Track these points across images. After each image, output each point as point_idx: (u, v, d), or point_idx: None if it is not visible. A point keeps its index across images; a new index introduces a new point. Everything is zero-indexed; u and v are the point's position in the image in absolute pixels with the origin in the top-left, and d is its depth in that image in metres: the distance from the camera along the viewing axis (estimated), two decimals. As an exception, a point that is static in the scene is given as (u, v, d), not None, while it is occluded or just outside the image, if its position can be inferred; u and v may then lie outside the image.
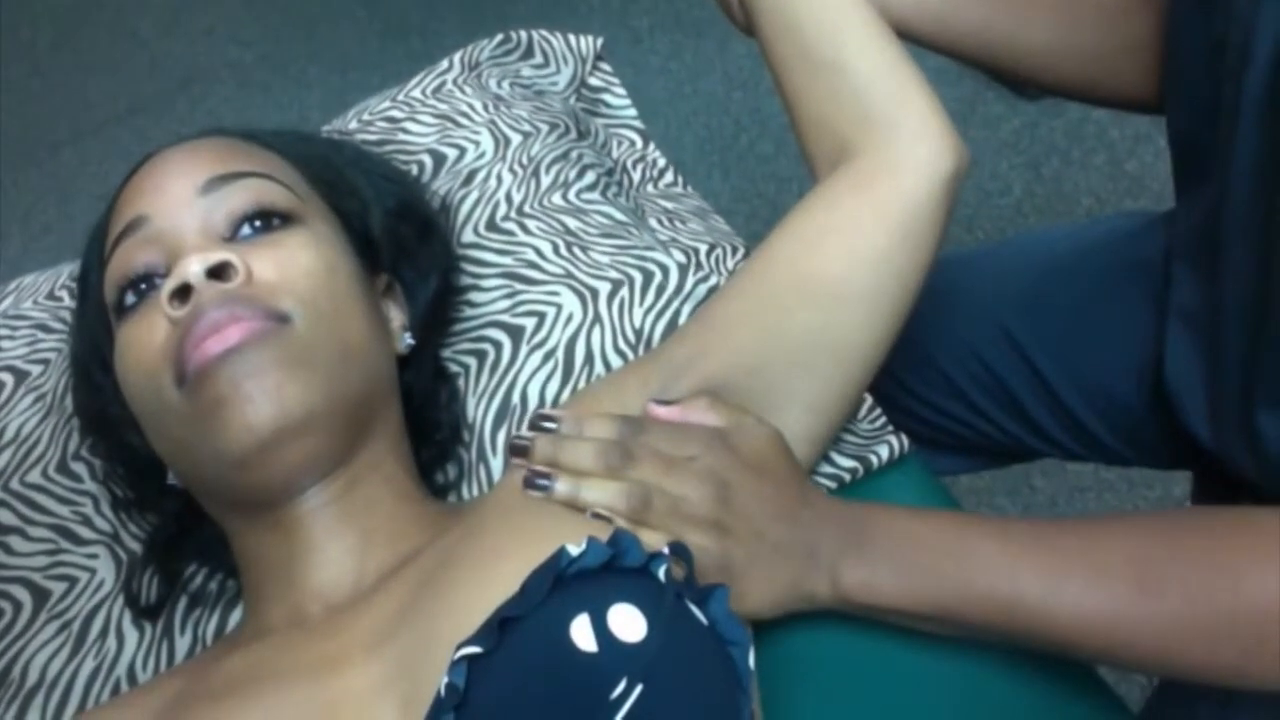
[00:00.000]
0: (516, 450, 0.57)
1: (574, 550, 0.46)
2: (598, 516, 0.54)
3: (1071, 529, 0.57)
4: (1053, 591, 0.54)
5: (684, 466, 0.55)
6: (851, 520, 0.58)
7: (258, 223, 0.59)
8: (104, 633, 0.66)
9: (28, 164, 2.18)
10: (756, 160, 1.88)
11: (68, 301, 0.82)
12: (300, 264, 0.57)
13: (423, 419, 0.68)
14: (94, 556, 0.68)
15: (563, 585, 0.45)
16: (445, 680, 0.43)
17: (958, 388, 0.90)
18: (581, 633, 0.43)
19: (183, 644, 0.65)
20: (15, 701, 0.63)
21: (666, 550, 0.49)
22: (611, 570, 0.47)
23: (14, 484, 0.71)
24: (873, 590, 0.56)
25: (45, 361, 0.78)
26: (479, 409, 0.70)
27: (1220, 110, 0.62)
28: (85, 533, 0.69)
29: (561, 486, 0.55)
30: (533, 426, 0.58)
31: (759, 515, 0.56)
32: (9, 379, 0.77)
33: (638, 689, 0.42)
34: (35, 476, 0.71)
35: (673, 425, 0.57)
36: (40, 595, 0.67)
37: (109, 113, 2.25)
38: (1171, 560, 0.54)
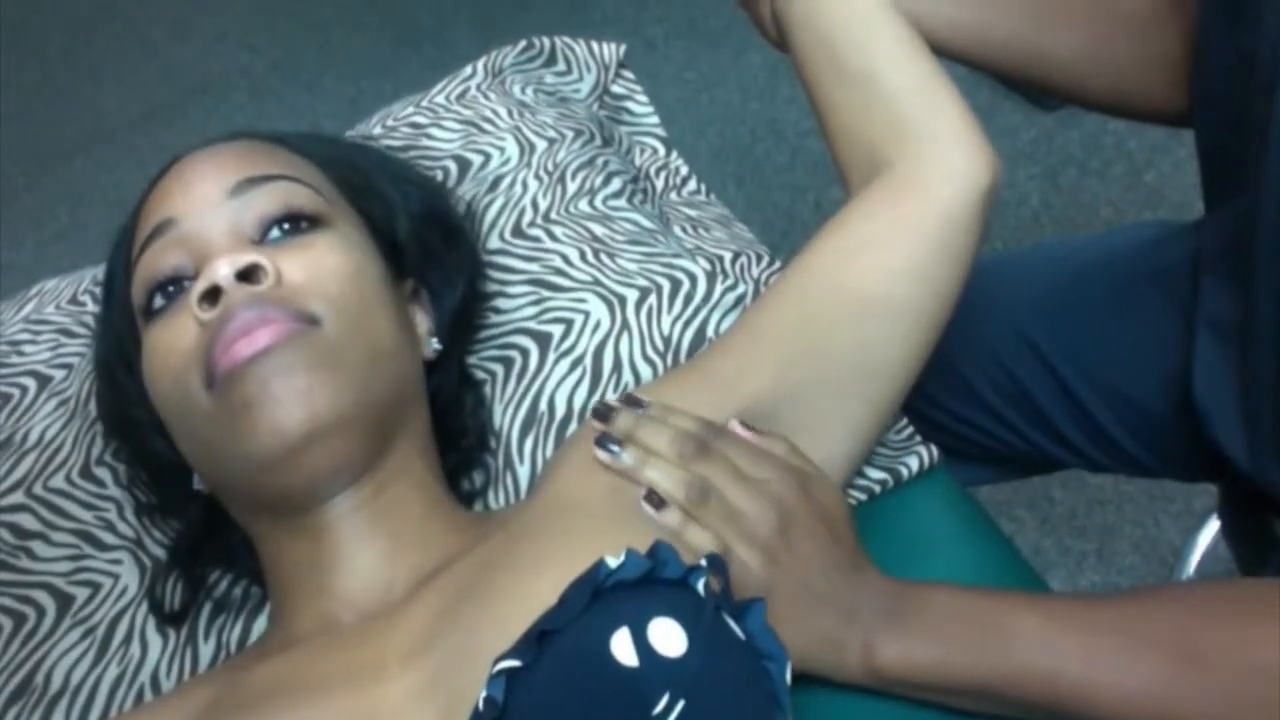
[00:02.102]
0: (599, 414, 0.58)
1: (612, 562, 0.46)
2: (650, 500, 0.54)
3: (1112, 603, 0.56)
4: (1093, 667, 0.53)
5: (753, 485, 0.55)
6: (893, 593, 0.57)
7: (286, 225, 0.59)
8: (128, 639, 0.65)
9: (40, 171, 2.19)
10: (772, 170, 1.87)
11: (90, 306, 0.82)
12: (329, 266, 0.57)
13: (449, 425, 0.67)
14: (117, 562, 0.68)
15: (601, 597, 0.45)
16: (484, 693, 0.42)
17: (980, 396, 0.90)
18: (622, 647, 0.43)
19: (207, 651, 0.65)
20: (39, 708, 0.62)
21: (704, 563, 0.48)
22: (650, 582, 0.46)
23: (37, 489, 0.71)
24: (910, 664, 0.55)
25: (68, 366, 0.78)
26: (506, 416, 0.70)
27: (1250, 125, 0.62)
28: (108, 538, 0.69)
29: (628, 457, 0.56)
30: (623, 402, 0.59)
31: (811, 558, 0.55)
32: (32, 384, 0.77)
33: (680, 704, 0.41)
34: (59, 481, 0.71)
35: (753, 446, 0.57)
36: (64, 601, 0.66)
37: (121, 120, 2.26)
38: (1215, 632, 0.52)
